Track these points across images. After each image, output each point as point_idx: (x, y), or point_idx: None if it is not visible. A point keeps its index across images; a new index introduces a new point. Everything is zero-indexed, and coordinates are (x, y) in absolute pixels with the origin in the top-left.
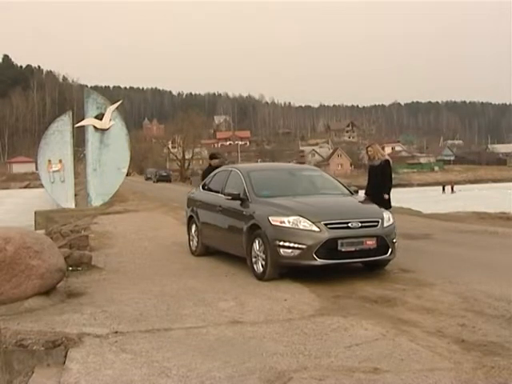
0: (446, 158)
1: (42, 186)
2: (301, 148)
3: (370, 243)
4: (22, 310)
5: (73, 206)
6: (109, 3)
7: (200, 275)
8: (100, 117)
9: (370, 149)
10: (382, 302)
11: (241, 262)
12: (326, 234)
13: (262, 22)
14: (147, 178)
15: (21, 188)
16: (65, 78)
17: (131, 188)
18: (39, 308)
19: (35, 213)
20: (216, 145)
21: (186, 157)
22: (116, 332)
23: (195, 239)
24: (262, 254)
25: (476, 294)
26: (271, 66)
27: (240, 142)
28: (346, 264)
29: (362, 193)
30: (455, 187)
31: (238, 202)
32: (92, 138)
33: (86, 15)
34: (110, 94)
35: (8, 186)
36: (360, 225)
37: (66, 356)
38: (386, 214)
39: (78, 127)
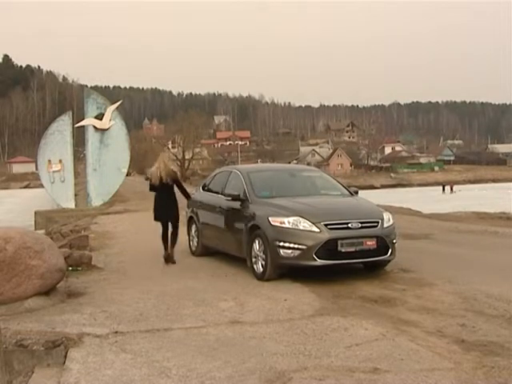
0: (445, 158)
1: (42, 185)
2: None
3: (370, 244)
4: (22, 309)
5: (73, 206)
6: (109, 3)
7: (200, 275)
8: (100, 117)
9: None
10: (382, 301)
11: (241, 262)
12: (326, 235)
13: (262, 22)
14: (147, 178)
15: (21, 188)
16: (65, 78)
17: (131, 188)
18: (39, 308)
19: (35, 213)
20: (216, 145)
21: (186, 157)
22: (116, 332)
23: (195, 239)
24: (261, 254)
25: (476, 294)
26: (271, 66)
27: (240, 142)
28: (346, 264)
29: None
30: (455, 187)
31: (238, 203)
32: (92, 138)
33: (85, 15)
34: (109, 93)
35: (8, 186)
36: (360, 225)
37: (65, 356)
38: (386, 215)
39: (77, 127)
